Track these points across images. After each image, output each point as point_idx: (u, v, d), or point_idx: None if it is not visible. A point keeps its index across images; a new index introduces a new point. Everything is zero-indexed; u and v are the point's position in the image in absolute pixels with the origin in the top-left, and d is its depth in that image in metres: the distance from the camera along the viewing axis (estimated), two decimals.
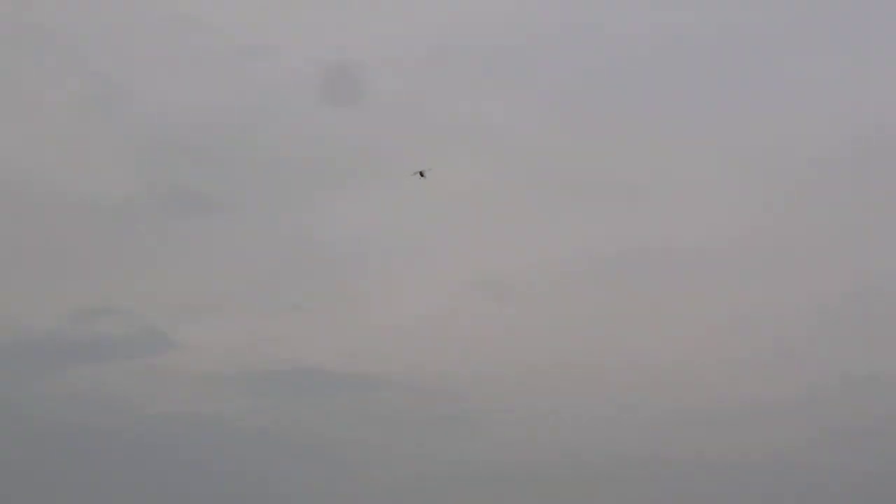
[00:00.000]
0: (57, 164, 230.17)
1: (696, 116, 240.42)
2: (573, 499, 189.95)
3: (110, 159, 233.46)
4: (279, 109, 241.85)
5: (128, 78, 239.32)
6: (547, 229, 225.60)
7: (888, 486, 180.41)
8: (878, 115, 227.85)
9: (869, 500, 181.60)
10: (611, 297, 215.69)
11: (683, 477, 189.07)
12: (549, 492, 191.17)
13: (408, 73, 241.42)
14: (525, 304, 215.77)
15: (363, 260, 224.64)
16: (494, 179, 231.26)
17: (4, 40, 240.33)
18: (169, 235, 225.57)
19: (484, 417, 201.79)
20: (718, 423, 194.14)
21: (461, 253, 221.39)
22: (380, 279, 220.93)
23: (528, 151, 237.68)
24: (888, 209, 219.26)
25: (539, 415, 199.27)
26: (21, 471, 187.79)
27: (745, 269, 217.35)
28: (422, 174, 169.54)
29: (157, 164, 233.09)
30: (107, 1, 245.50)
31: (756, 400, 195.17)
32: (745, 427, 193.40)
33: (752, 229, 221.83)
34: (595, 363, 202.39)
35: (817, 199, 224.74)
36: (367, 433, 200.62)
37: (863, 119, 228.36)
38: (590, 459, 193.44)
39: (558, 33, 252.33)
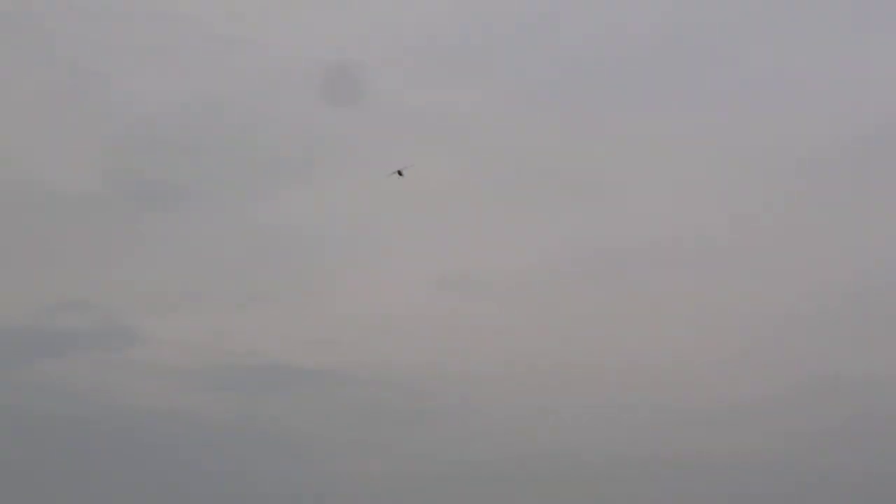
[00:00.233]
0: (24, 154, 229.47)
1: (683, 111, 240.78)
2: (544, 496, 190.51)
3: (79, 150, 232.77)
4: (249, 101, 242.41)
5: (99, 68, 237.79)
6: (520, 225, 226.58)
7: (885, 485, 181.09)
8: (876, 114, 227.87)
9: (866, 498, 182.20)
10: (586, 295, 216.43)
11: (651, 475, 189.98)
12: (519, 489, 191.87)
13: (380, 67, 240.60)
14: (496, 301, 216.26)
15: (333, 254, 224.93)
16: (469, 174, 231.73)
17: None
18: (137, 228, 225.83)
19: (453, 414, 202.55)
20: (705, 422, 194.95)
21: (432, 248, 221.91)
22: (349, 273, 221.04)
23: (505, 146, 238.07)
24: (883, 209, 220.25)
25: (510, 412, 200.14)
26: None
27: (713, 268, 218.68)
28: (400, 173, 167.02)
29: (127, 155, 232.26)
30: None
31: (747, 399, 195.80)
32: (737, 426, 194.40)
33: (721, 227, 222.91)
34: (567, 361, 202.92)
35: (812, 197, 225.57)
36: (335, 428, 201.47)
37: (860, 118, 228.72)
38: (560, 457, 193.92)
39: (537, 25, 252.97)
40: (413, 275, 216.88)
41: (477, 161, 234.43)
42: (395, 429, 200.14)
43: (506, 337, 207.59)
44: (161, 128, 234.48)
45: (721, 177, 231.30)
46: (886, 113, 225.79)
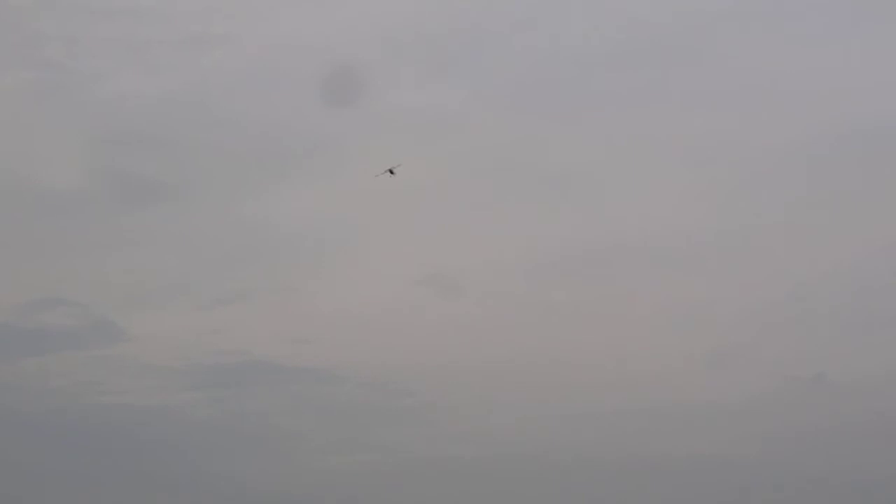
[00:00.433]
0: (5, 152, 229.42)
1: (664, 111, 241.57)
2: (523, 493, 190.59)
3: (61, 147, 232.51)
4: (229, 99, 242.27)
5: (80, 66, 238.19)
6: (499, 224, 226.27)
7: (867, 486, 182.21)
8: (863, 115, 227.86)
9: (849, 500, 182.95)
10: (565, 294, 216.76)
11: (630, 476, 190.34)
12: (499, 486, 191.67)
13: (364, 65, 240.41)
14: (476, 299, 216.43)
15: (313, 251, 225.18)
16: (450, 172, 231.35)
17: None
18: (118, 225, 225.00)
19: (434, 411, 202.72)
20: (685, 423, 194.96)
21: (413, 246, 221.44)
22: (330, 271, 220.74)
23: (484, 143, 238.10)
24: (867, 210, 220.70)
25: (489, 410, 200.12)
26: None
27: (693, 267, 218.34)
28: (391, 171, 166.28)
29: (108, 152, 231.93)
30: None
31: (728, 400, 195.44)
32: (718, 427, 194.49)
33: (703, 227, 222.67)
34: (546, 360, 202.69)
35: (795, 198, 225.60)
36: (318, 425, 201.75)
37: (845, 119, 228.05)
38: (540, 455, 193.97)
39: (514, 22, 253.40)
40: (395, 273, 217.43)
41: (458, 160, 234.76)
42: (376, 426, 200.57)
43: (485, 335, 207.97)
44: (144, 124, 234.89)
45: (702, 177, 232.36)
46: (873, 114, 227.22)
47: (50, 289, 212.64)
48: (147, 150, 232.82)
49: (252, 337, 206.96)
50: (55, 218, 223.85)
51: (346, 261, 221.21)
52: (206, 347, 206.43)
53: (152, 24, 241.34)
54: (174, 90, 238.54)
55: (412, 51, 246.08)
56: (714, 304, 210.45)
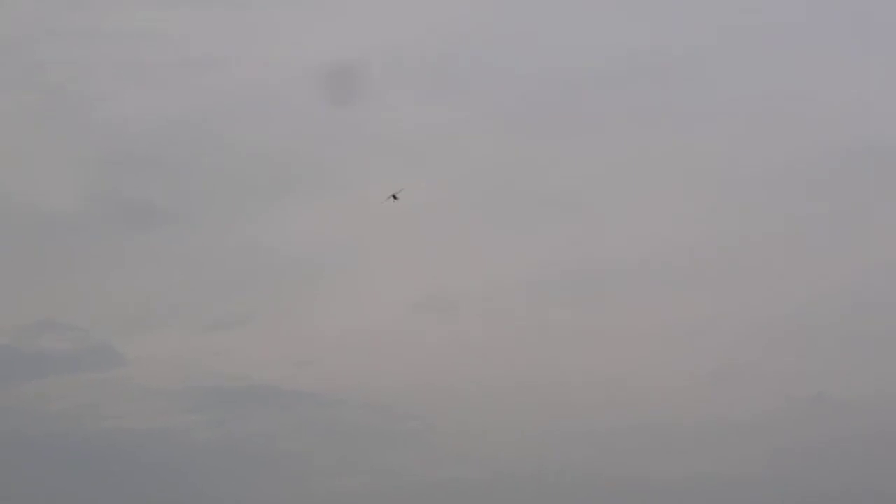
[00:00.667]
0: (7, 175, 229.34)
1: (663, 131, 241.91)
2: None
3: (60, 170, 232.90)
4: (229, 121, 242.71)
5: (81, 88, 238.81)
6: (498, 244, 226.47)
7: None
8: (859, 135, 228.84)
9: None
10: (565, 315, 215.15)
11: (632, 496, 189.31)
12: None
13: (359, 87, 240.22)
14: (476, 321, 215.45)
15: (313, 274, 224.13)
16: (449, 193, 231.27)
17: None
18: (118, 248, 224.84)
19: (435, 434, 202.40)
20: (686, 442, 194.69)
21: (412, 267, 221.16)
22: (329, 293, 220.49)
23: (482, 164, 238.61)
24: (865, 229, 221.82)
25: (491, 432, 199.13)
26: None
27: (691, 286, 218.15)
28: (394, 197, 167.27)
29: (108, 175, 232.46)
30: (62, 11, 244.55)
31: (728, 419, 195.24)
32: (719, 447, 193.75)
33: (699, 245, 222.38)
34: (547, 381, 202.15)
35: (794, 217, 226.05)
36: (317, 448, 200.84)
37: (842, 139, 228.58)
38: (541, 477, 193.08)
39: (511, 43, 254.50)
40: (395, 294, 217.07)
41: (456, 180, 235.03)
42: (378, 449, 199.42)
43: (486, 356, 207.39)
44: (142, 147, 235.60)
45: (701, 195, 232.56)
46: (873, 132, 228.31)
47: (49, 312, 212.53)
48: (147, 173, 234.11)
49: (253, 360, 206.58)
50: (55, 240, 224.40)
51: (347, 283, 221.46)
52: (207, 370, 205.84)
53: (152, 47, 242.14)
54: (175, 112, 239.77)
55: (411, 72, 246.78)
56: (714, 323, 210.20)
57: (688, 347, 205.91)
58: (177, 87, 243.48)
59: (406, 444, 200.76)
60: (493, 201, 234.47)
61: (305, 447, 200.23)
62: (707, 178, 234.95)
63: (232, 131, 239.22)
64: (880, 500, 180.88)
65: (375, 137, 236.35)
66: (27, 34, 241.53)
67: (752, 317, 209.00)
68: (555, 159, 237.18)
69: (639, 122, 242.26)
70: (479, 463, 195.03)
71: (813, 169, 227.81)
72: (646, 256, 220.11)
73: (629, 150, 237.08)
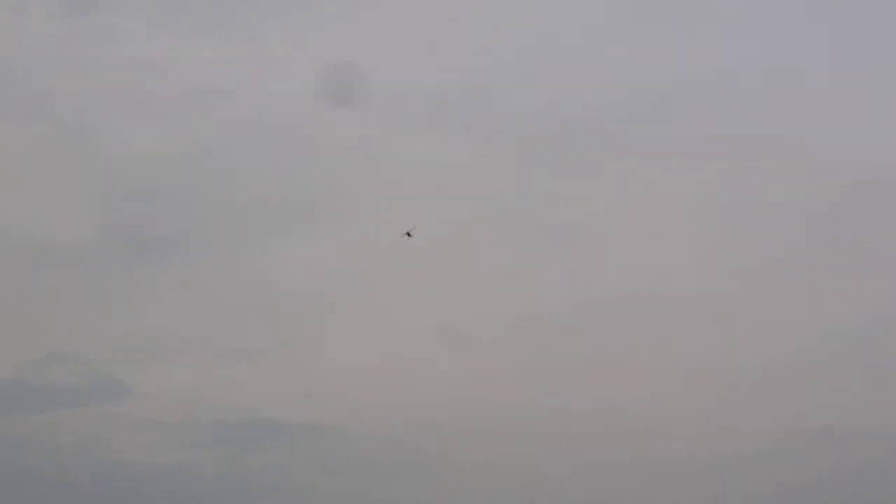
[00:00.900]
0: (15, 207, 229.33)
1: (656, 165, 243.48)
2: None
3: (68, 202, 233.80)
4: (238, 153, 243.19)
5: (91, 122, 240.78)
6: (505, 276, 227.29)
7: None
8: (864, 168, 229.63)
9: None
10: (569, 347, 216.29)
11: None
12: None
13: (365, 116, 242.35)
14: (483, 353, 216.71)
15: (322, 306, 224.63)
16: (453, 225, 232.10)
17: None
18: (126, 280, 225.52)
19: (442, 466, 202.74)
20: (688, 474, 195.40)
21: (418, 299, 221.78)
22: (338, 326, 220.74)
23: (489, 196, 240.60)
24: (868, 262, 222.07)
25: (496, 462, 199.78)
26: None
27: (704, 320, 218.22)
28: (409, 234, 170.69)
29: (116, 208, 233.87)
30: (72, 45, 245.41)
31: (731, 451, 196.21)
32: (720, 478, 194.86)
33: (709, 279, 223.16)
34: (553, 413, 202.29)
35: (796, 250, 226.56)
36: (325, 481, 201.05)
37: (845, 171, 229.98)
38: None
39: (519, 80, 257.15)
40: (402, 327, 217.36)
41: (463, 213, 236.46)
42: (385, 481, 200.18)
43: (492, 388, 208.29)
44: (149, 179, 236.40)
45: (706, 229, 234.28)
46: (875, 167, 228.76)
47: (58, 345, 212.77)
48: (155, 205, 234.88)
49: (261, 393, 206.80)
50: (63, 273, 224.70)
51: (356, 316, 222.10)
52: (215, 403, 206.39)
53: (158, 79, 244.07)
54: (182, 144, 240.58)
55: (417, 105, 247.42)
56: (719, 356, 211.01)
57: (692, 381, 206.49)
58: (183, 118, 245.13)
59: (415, 476, 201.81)
60: (501, 235, 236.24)
61: (314, 480, 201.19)
62: (710, 212, 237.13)
63: (240, 163, 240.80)
64: None
65: (385, 170, 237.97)
66: (34, 66, 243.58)
67: (757, 350, 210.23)
68: (563, 194, 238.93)
69: (644, 157, 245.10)
70: (488, 495, 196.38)
71: (815, 203, 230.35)
72: (652, 289, 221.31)
73: (635, 185, 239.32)
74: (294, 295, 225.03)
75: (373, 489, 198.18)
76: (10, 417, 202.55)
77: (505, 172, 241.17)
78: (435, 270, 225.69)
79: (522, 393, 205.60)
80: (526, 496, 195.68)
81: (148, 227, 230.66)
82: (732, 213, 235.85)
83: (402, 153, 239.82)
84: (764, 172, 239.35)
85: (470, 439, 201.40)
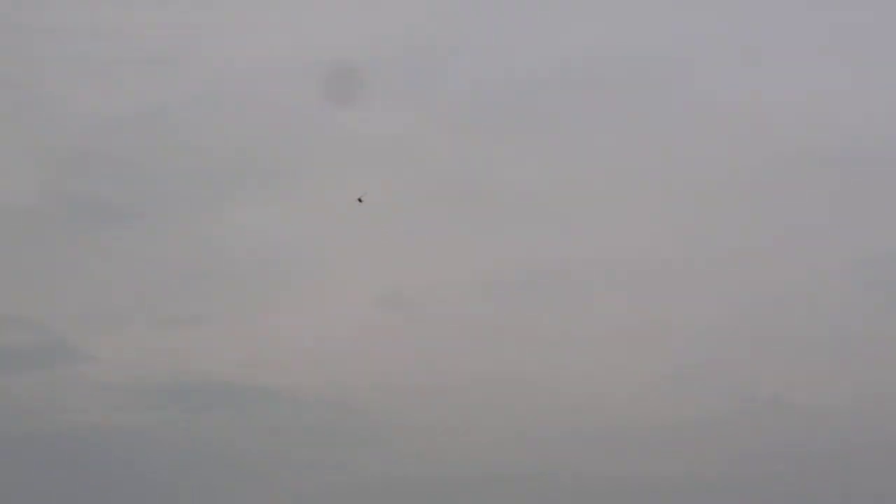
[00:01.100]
0: None
1: (608, 134, 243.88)
2: None
3: (16, 166, 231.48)
4: (187, 119, 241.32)
5: (36, 84, 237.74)
6: (456, 245, 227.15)
7: None
8: (798, 139, 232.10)
9: None
10: (516, 315, 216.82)
11: (587, 497, 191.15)
12: None
13: (312, 86, 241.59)
14: (434, 320, 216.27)
15: (270, 272, 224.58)
16: (403, 193, 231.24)
17: None
18: (76, 245, 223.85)
19: (387, 432, 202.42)
20: (641, 444, 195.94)
21: (367, 267, 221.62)
22: (286, 292, 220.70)
23: (436, 165, 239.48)
24: (829, 232, 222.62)
25: (448, 429, 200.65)
26: None
27: (649, 288, 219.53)
28: (360, 200, 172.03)
29: (65, 172, 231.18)
30: (19, 7, 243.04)
31: (685, 421, 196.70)
32: (674, 448, 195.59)
33: (656, 247, 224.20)
34: (505, 381, 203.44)
35: (754, 219, 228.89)
36: (278, 447, 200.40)
37: (779, 143, 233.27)
38: (499, 475, 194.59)
39: (463, 45, 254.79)
40: (354, 294, 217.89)
41: (414, 182, 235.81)
42: (337, 447, 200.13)
43: (444, 356, 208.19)
44: (101, 144, 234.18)
45: (659, 197, 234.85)
46: (832, 140, 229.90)
47: (6, 307, 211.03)
48: (106, 170, 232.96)
49: (213, 357, 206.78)
50: (11, 236, 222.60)
51: (307, 281, 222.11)
52: (166, 367, 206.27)
53: (110, 44, 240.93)
54: (133, 110, 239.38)
55: (370, 76, 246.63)
56: (671, 325, 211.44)
57: (644, 350, 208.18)
58: (135, 84, 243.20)
59: (363, 442, 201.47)
60: (451, 202, 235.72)
61: (266, 445, 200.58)
62: (663, 180, 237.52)
63: (191, 129, 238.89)
64: (838, 501, 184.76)
65: (335, 138, 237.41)
66: None
67: (710, 320, 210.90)
68: (516, 162, 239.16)
69: (598, 126, 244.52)
70: (440, 461, 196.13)
71: (770, 174, 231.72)
72: (604, 258, 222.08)
73: (588, 154, 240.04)
74: (246, 261, 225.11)
75: (324, 455, 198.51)
76: None
77: (460, 141, 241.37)
78: (385, 238, 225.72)
79: (471, 360, 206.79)
80: (478, 462, 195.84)
81: (98, 192, 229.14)
82: (685, 182, 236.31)
83: (349, 123, 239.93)
84: (721, 143, 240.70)
85: (420, 405, 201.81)
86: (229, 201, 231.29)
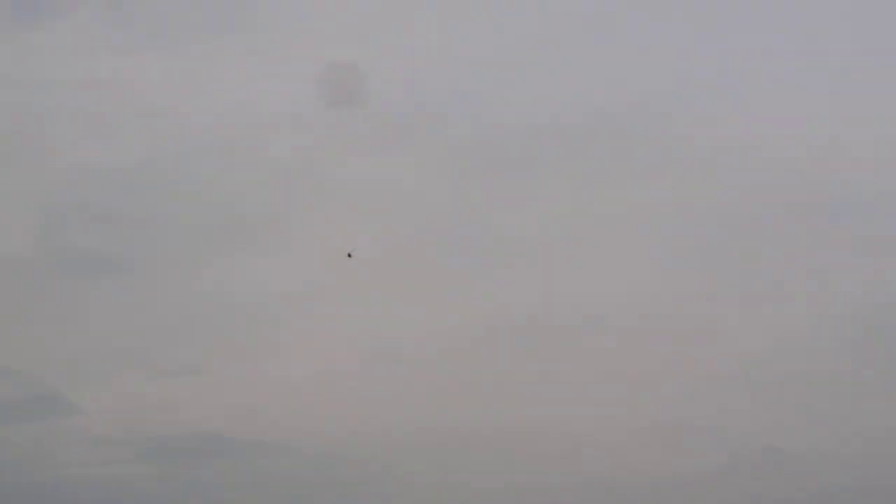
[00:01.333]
0: None
1: (599, 183, 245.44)
2: None
3: (13, 216, 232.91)
4: (180, 170, 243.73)
5: (35, 136, 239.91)
6: (446, 293, 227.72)
7: None
8: (784, 184, 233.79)
9: None
10: (509, 364, 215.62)
11: None
12: None
13: (308, 136, 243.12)
14: (424, 370, 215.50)
15: (265, 322, 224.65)
16: (396, 243, 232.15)
17: None
18: (71, 295, 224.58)
19: (385, 482, 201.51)
20: (635, 496, 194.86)
21: (361, 316, 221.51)
22: (281, 342, 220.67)
23: (430, 215, 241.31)
24: (793, 279, 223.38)
25: (440, 480, 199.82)
26: None
27: (642, 337, 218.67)
28: (350, 255, 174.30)
29: (62, 223, 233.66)
30: (15, 58, 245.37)
31: (680, 472, 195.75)
32: (646, 499, 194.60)
33: (655, 297, 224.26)
34: (497, 430, 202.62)
35: (750, 268, 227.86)
36: (264, 498, 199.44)
37: (765, 188, 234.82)
38: None
39: (466, 96, 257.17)
40: (346, 343, 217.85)
41: (405, 232, 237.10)
42: (327, 497, 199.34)
43: (436, 405, 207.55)
44: (97, 195, 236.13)
45: (653, 247, 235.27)
46: (821, 186, 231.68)
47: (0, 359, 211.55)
48: (100, 221, 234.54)
49: (204, 408, 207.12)
50: (4, 288, 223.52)
51: (299, 332, 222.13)
52: (158, 419, 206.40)
53: (107, 96, 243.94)
54: (129, 161, 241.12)
55: (361, 125, 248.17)
56: (665, 375, 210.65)
57: (636, 400, 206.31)
58: (132, 135, 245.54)
59: (356, 492, 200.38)
60: (445, 251, 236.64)
61: (255, 495, 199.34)
62: (659, 230, 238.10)
63: (187, 181, 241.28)
64: None
65: (326, 189, 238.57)
66: None
67: (703, 369, 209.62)
68: (507, 210, 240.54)
69: (592, 175, 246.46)
70: None
71: (760, 221, 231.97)
72: (598, 307, 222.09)
73: (582, 202, 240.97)
74: (238, 311, 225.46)
75: None
76: None
77: (451, 190, 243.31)
78: (377, 288, 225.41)
79: (464, 410, 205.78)
80: None
81: (94, 243, 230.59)
82: (677, 232, 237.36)
83: (345, 172, 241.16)
84: (715, 190, 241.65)
85: (412, 455, 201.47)
86: (222, 252, 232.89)
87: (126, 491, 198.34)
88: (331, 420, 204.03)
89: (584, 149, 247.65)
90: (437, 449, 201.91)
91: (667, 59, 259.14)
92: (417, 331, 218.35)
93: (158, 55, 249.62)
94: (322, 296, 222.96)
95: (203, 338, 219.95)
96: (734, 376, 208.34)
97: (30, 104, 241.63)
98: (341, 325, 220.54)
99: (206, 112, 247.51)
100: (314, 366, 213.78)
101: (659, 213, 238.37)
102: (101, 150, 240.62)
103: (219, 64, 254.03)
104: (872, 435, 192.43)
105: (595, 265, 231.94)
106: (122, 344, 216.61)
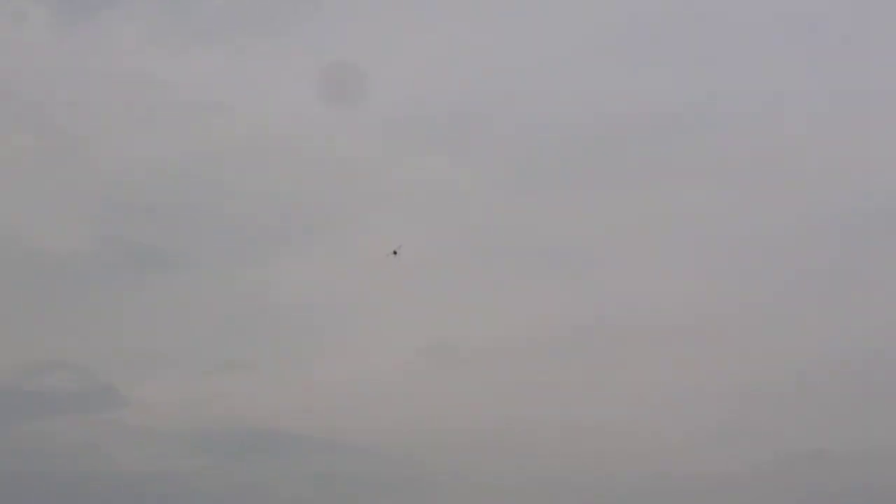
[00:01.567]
0: (10, 216, 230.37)
1: (651, 189, 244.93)
2: None
3: (66, 213, 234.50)
4: (238, 166, 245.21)
5: (86, 132, 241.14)
6: (497, 296, 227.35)
7: None
8: (832, 192, 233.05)
9: None
10: (561, 368, 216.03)
11: None
12: None
13: (365, 137, 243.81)
14: (474, 371, 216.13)
15: (317, 320, 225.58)
16: (451, 244, 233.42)
17: None
18: (124, 290, 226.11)
19: (432, 482, 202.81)
20: (684, 495, 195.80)
21: (415, 316, 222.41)
22: (332, 340, 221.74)
23: (483, 217, 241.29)
24: (866, 287, 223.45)
25: (488, 481, 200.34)
26: None
27: (697, 343, 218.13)
28: (395, 252, 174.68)
29: (114, 218, 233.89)
30: (67, 54, 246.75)
31: (728, 472, 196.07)
32: (695, 499, 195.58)
33: (705, 303, 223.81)
34: (545, 433, 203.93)
35: (794, 275, 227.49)
36: (315, 494, 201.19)
37: (817, 197, 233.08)
38: None
39: (516, 102, 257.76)
40: (395, 344, 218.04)
41: (456, 234, 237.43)
42: (374, 495, 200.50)
43: (485, 407, 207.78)
44: (149, 190, 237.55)
45: (703, 254, 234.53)
46: (867, 194, 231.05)
47: (52, 352, 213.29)
48: (152, 217, 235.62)
49: (255, 404, 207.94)
50: (62, 282, 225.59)
51: (350, 331, 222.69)
52: (209, 414, 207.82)
53: (157, 90, 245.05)
54: (180, 157, 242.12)
55: (413, 128, 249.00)
56: (715, 380, 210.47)
57: (688, 404, 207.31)
58: (182, 131, 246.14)
59: (403, 492, 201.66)
60: (495, 256, 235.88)
61: (304, 492, 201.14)
62: (708, 237, 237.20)
63: (237, 176, 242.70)
64: None
65: (378, 191, 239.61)
66: (32, 75, 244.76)
67: (749, 373, 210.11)
68: (558, 216, 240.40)
69: (639, 182, 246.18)
70: None
71: (811, 229, 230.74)
72: (647, 315, 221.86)
73: (633, 209, 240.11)
74: (289, 309, 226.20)
75: (361, 503, 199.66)
76: (5, 424, 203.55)
77: (499, 195, 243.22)
78: (430, 289, 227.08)
79: (513, 411, 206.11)
80: None
81: (145, 238, 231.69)
82: (729, 239, 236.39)
83: (399, 172, 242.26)
84: (762, 199, 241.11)
85: (460, 455, 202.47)
86: (275, 249, 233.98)
87: (175, 484, 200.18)
88: (378, 419, 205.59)
89: (637, 155, 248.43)
90: (482, 450, 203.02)
91: (722, 65, 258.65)
92: (465, 332, 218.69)
93: (210, 49, 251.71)
94: (373, 294, 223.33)
95: (253, 334, 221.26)
96: (783, 381, 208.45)
97: (78, 98, 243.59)
98: (390, 323, 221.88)
99: (258, 107, 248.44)
100: (364, 364, 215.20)
101: (709, 220, 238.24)
102: (153, 145, 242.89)
103: (273, 61, 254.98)
104: None
105: (646, 272, 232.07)
106: (174, 338, 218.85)
